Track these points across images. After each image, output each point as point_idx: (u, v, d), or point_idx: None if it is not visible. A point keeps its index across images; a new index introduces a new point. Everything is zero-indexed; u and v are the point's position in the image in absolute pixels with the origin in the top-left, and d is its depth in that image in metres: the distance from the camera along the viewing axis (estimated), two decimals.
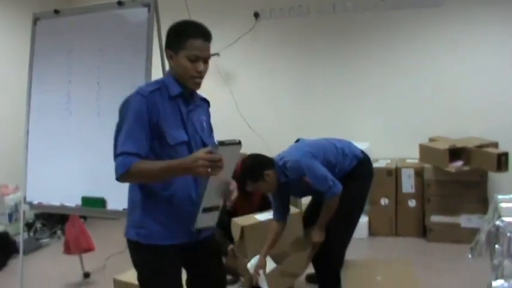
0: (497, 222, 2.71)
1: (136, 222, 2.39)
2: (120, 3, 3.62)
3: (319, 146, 3.72)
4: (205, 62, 2.32)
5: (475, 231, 4.94)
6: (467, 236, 4.95)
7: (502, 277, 2.72)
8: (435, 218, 5.18)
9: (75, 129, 3.70)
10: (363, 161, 3.79)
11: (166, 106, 2.31)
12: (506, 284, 1.80)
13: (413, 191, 5.32)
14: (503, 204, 2.90)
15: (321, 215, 3.58)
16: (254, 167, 3.59)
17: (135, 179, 2.26)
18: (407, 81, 5.66)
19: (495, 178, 5.08)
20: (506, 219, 2.69)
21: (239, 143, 2.11)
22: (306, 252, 3.67)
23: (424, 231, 5.31)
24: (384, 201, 5.39)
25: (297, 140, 3.92)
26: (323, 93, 5.96)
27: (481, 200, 4.99)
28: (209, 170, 2.07)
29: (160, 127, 2.28)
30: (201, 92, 2.48)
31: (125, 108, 2.28)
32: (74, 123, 3.70)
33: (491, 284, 1.84)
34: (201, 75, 2.32)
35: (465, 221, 5.06)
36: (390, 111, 5.76)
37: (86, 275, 4.61)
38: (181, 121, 2.35)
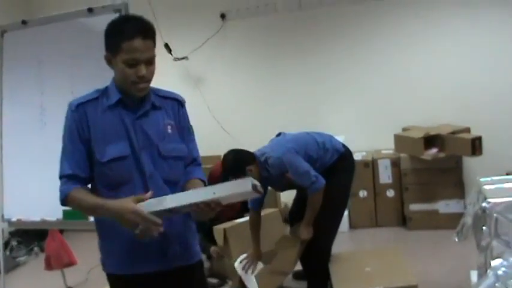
0: (484, 204, 2.75)
1: (100, 248, 2.22)
2: (90, 10, 3.57)
3: (301, 140, 3.72)
4: (149, 63, 2.02)
5: (453, 217, 5.07)
6: (446, 221, 5.07)
7: (491, 258, 2.77)
8: (414, 207, 5.25)
9: (51, 141, 3.61)
10: (344, 154, 3.81)
11: (100, 118, 2.06)
12: (505, 263, 1.83)
13: (390, 181, 5.38)
14: (486, 187, 2.95)
15: (306, 212, 3.59)
16: (236, 162, 3.57)
17: (74, 208, 2.07)
18: (378, 74, 5.71)
19: (469, 163, 5.18)
20: (492, 200, 2.74)
21: (170, 210, 1.89)
22: (294, 249, 3.67)
23: (403, 220, 5.37)
24: (362, 193, 5.43)
25: (279, 134, 3.91)
26: (295, 90, 5.97)
27: (457, 185, 5.09)
28: (138, 230, 1.89)
29: (90, 143, 2.05)
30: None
31: (64, 125, 2.10)
32: (50, 134, 3.63)
33: (489, 263, 1.86)
34: (144, 79, 2.02)
35: (443, 206, 5.14)
36: (362, 104, 5.81)
37: None
38: (125, 132, 2.06)
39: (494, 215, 2.72)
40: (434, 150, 5.00)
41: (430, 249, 4.65)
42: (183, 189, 2.11)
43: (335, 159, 3.75)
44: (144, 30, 1.99)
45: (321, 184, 3.51)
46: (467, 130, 5.07)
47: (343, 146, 3.85)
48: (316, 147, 3.72)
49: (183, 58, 5.92)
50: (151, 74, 2.05)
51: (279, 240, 3.94)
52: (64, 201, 2.03)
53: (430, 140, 5.01)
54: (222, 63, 6.12)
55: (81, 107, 2.05)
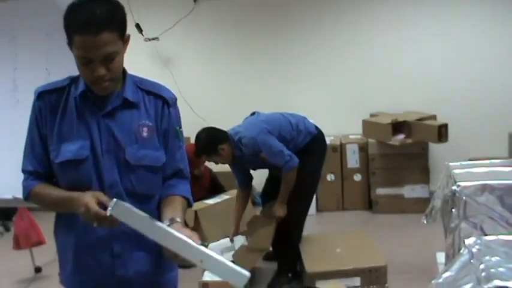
0: (454, 188, 2.85)
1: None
2: None
3: (275, 121, 3.76)
4: (109, 60, 1.67)
5: (418, 201, 5.23)
6: (411, 205, 5.23)
7: (459, 239, 2.89)
8: (380, 191, 5.38)
9: (23, 118, 3.56)
10: (317, 136, 3.88)
11: (62, 111, 1.79)
12: (479, 241, 1.92)
13: (358, 165, 5.50)
14: (456, 171, 3.05)
15: (281, 190, 3.65)
16: (209, 140, 3.61)
17: (38, 204, 1.84)
18: (348, 60, 5.79)
19: (435, 149, 5.32)
20: (461, 183, 2.84)
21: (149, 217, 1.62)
22: (269, 227, 3.73)
23: (370, 204, 5.51)
24: (330, 177, 5.53)
25: (253, 113, 3.95)
26: (265, 73, 6.00)
27: (423, 171, 5.24)
28: (95, 224, 1.64)
29: (47, 140, 1.80)
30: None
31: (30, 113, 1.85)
32: (22, 112, 3.55)
33: (458, 244, 1.95)
34: (104, 79, 1.69)
35: (409, 191, 5.29)
36: (332, 90, 5.88)
37: (38, 270, 4.47)
38: (87, 130, 1.77)
39: (464, 198, 2.83)
40: (401, 136, 5.13)
41: (396, 232, 4.79)
42: (159, 207, 1.85)
43: (308, 141, 3.82)
44: (99, 22, 1.62)
45: (294, 163, 3.59)
46: (434, 117, 5.22)
47: (316, 128, 3.92)
48: (290, 129, 3.77)
49: (154, 39, 5.86)
50: (115, 71, 1.72)
51: (251, 220, 3.99)
52: (27, 197, 1.83)
53: (397, 126, 5.14)
54: (193, 45, 6.10)
55: (46, 96, 1.80)
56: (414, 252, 4.27)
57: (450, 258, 2.97)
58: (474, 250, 1.86)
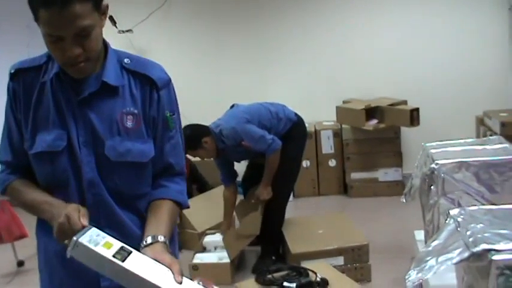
0: (432, 166, 2.99)
1: None
2: None
3: (254, 110, 3.87)
4: (84, 36, 1.42)
5: (392, 184, 5.40)
6: (385, 188, 5.39)
7: (438, 214, 3.03)
8: (355, 175, 5.52)
9: (2, 99, 3.57)
10: (297, 123, 3.99)
11: (37, 94, 1.56)
12: (463, 211, 2.04)
13: (332, 151, 5.63)
14: (433, 151, 3.18)
15: (264, 173, 3.75)
16: (192, 135, 3.69)
17: (14, 201, 1.66)
18: (320, 49, 5.90)
19: (406, 133, 5.49)
20: (439, 161, 2.98)
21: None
22: (256, 212, 3.83)
23: (345, 189, 5.65)
24: (305, 163, 5.63)
25: (232, 106, 4.04)
26: (239, 63, 6.07)
27: (396, 155, 5.41)
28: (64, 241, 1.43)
29: (21, 126, 1.59)
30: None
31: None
32: (2, 93, 3.56)
33: (448, 212, 2.07)
34: (78, 59, 1.44)
35: (382, 175, 5.44)
36: (305, 78, 5.98)
37: (20, 264, 4.46)
38: (62, 118, 1.54)
39: (442, 175, 2.97)
40: (374, 121, 5.28)
41: (372, 215, 4.94)
42: (146, 213, 1.62)
43: (288, 128, 3.92)
44: None
45: (277, 145, 3.70)
46: (405, 103, 5.38)
47: (296, 115, 4.02)
48: (270, 117, 3.87)
49: (127, 31, 5.87)
50: (92, 49, 1.46)
51: (237, 206, 4.09)
52: (3, 192, 1.65)
53: (370, 112, 5.28)
54: (167, 37, 6.12)
55: (21, 75, 1.57)
56: (392, 232, 4.42)
57: (430, 234, 3.12)
58: (459, 219, 1.98)
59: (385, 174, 5.42)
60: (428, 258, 1.86)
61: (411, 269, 1.87)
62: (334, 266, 3.25)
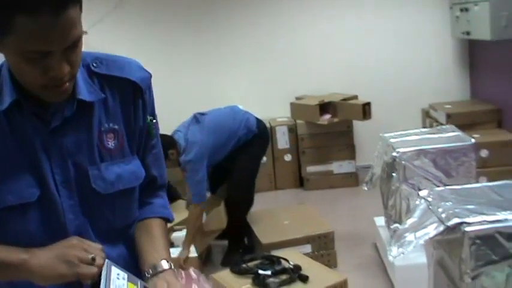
0: (393, 154, 3.20)
1: None
2: None
3: (216, 128, 3.90)
4: (71, 49, 1.10)
5: (346, 176, 5.63)
6: (340, 180, 5.62)
7: (400, 199, 3.25)
8: (310, 169, 5.72)
9: None
10: (258, 134, 4.08)
11: None
12: (431, 192, 2.24)
13: (288, 146, 5.80)
14: (392, 140, 3.40)
15: (186, 233, 3.83)
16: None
17: None
18: (271, 47, 6.04)
19: (358, 126, 5.73)
20: (400, 150, 3.20)
21: None
22: (219, 208, 3.94)
23: (301, 182, 5.83)
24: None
25: (199, 115, 4.00)
26: (192, 63, 6.12)
27: (349, 148, 5.64)
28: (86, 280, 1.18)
29: None
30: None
31: None
32: None
33: (418, 194, 2.26)
34: (64, 78, 1.12)
35: (337, 167, 5.66)
36: (257, 76, 6.12)
37: None
38: (30, 158, 1.19)
39: (403, 162, 3.19)
40: (328, 116, 5.48)
41: (330, 206, 5.13)
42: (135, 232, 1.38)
43: (250, 138, 4.03)
44: None
45: (202, 200, 3.80)
46: (355, 97, 5.62)
47: (258, 123, 4.10)
48: (234, 129, 3.96)
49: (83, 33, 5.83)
50: (78, 63, 1.16)
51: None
52: None
53: (323, 107, 5.48)
54: (122, 38, 6.09)
55: None
56: (351, 221, 4.64)
57: (393, 218, 3.34)
58: (429, 199, 2.18)
59: (340, 167, 5.64)
60: (406, 235, 2.04)
61: (392, 245, 2.05)
62: (303, 254, 3.41)
